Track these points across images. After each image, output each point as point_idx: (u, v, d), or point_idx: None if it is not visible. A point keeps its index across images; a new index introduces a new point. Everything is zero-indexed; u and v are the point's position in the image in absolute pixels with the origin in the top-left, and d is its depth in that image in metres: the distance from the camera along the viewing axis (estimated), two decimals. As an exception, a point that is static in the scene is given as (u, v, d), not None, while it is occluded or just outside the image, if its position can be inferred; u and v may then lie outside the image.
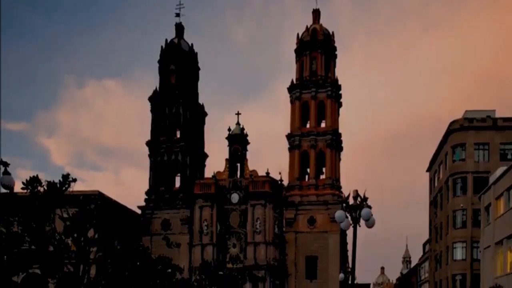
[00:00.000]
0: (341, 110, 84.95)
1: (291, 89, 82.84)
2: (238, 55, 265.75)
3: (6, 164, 18.96)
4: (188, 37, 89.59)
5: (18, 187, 23.50)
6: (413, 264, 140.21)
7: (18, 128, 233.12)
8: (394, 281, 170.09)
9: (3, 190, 19.59)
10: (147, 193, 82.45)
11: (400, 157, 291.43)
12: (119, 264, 31.73)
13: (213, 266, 73.99)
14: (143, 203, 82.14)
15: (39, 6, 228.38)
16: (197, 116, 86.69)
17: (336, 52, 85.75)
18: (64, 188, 27.14)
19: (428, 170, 79.67)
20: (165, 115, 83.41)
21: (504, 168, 44.56)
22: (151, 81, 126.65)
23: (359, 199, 18.69)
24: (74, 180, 27.69)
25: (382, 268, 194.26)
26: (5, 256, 24.16)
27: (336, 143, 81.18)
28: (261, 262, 75.85)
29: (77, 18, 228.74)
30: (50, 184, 26.85)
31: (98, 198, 60.69)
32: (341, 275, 42.54)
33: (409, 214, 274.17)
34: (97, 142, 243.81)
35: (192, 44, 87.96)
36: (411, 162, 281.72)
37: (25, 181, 25.91)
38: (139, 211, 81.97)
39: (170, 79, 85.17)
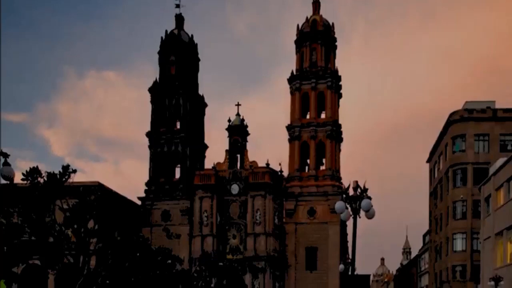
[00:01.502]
0: (341, 101, 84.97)
1: (291, 80, 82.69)
2: (238, 46, 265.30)
3: (6, 155, 18.92)
4: (188, 28, 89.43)
5: (18, 178, 23.52)
6: (413, 255, 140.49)
7: (18, 119, 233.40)
8: (394, 272, 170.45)
9: (3, 181, 19.56)
10: (147, 184, 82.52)
11: (400, 148, 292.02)
12: (119, 255, 31.74)
13: (213, 257, 74.26)
14: (143, 194, 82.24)
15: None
16: (197, 107, 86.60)
17: (336, 43, 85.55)
18: (64, 179, 27.13)
19: (428, 161, 79.58)
20: (165, 106, 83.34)
21: (504, 159, 44.47)
22: (151, 72, 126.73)
23: (359, 190, 18.59)
24: (74, 171, 27.69)
25: (382, 259, 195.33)
26: (5, 247, 24.15)
27: (336, 134, 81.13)
28: (261, 253, 76.01)
29: (77, 8, 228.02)
30: (50, 175, 26.84)
31: (98, 189, 60.33)
32: (341, 266, 42.51)
33: (409, 205, 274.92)
34: (97, 133, 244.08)
35: (192, 35, 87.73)
36: (411, 153, 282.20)
37: (25, 172, 25.92)
38: (139, 202, 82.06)
39: (170, 70, 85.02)
